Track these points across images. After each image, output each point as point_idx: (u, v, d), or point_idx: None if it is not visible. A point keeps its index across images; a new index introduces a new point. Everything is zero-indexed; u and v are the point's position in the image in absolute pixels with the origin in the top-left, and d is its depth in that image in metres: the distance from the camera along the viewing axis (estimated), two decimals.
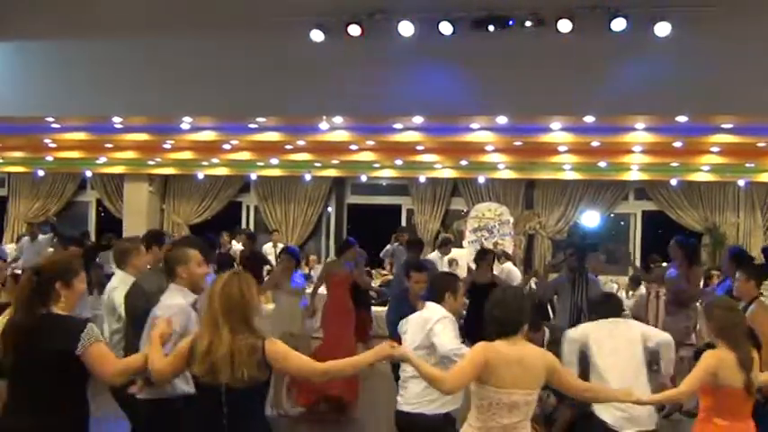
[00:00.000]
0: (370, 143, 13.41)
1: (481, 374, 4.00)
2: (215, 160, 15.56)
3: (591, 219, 9.20)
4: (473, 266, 9.68)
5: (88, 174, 17.36)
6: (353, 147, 13.81)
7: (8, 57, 11.04)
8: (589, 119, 10.23)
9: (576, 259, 8.36)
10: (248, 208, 17.73)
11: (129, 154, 15.32)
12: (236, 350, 3.75)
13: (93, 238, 17.01)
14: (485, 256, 9.46)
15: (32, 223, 16.09)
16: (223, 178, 17.00)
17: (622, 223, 16.31)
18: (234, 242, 14.21)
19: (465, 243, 14.45)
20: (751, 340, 4.80)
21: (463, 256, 12.76)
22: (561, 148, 13.21)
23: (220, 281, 3.91)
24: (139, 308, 5.01)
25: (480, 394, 4.05)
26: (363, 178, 16.56)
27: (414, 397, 5.06)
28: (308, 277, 12.07)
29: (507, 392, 4.00)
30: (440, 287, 5.38)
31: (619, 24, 8.82)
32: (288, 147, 13.96)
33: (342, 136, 12.35)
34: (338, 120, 11.26)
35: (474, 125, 11.59)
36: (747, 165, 13.53)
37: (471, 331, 6.97)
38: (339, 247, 10.14)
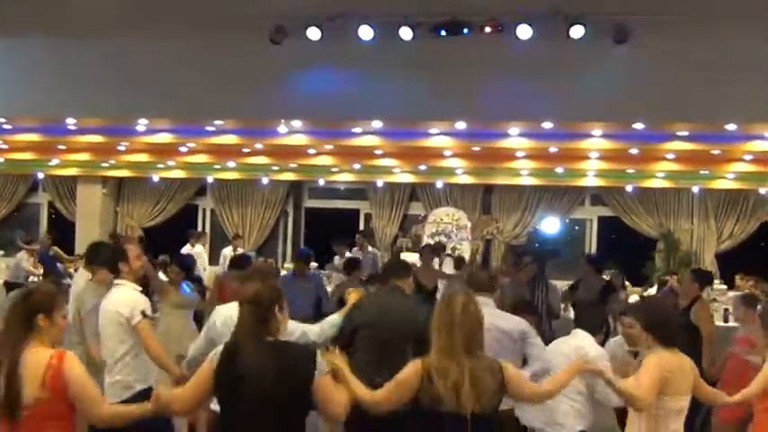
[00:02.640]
0: (329, 147, 13.34)
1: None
2: (171, 163, 15.37)
3: (550, 225, 9.26)
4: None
5: (40, 175, 17.06)
6: (311, 150, 13.74)
7: None
8: (547, 125, 10.29)
9: (537, 266, 8.38)
10: (204, 211, 17.54)
11: (83, 156, 15.05)
12: (479, 374, 3.72)
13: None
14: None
15: None
16: (179, 181, 16.81)
17: (578, 228, 16.43)
18: (189, 246, 14.06)
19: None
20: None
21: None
22: (519, 154, 13.26)
23: (455, 302, 3.84)
24: None
25: (657, 405, 4.33)
26: (321, 182, 16.49)
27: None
28: None
29: (678, 399, 4.36)
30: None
31: (577, 32, 8.87)
32: (245, 150, 13.84)
33: (300, 139, 12.27)
34: (296, 123, 11.20)
35: (432, 130, 11.60)
36: (701, 172, 13.71)
37: None
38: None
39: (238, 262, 9.10)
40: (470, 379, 3.68)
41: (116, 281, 5.56)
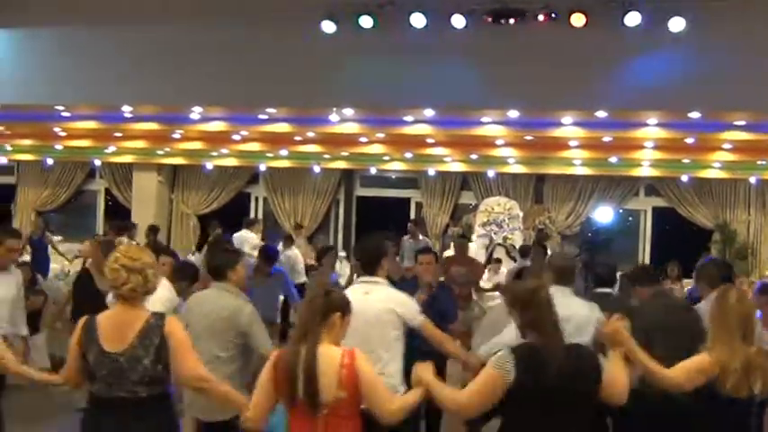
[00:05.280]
0: (380, 135, 13.37)
1: None
2: (224, 151, 15.54)
3: (603, 215, 9.16)
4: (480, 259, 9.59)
5: (97, 163, 17.36)
6: (363, 139, 13.78)
7: (20, 44, 11.03)
8: (601, 114, 10.18)
9: (588, 255, 8.30)
10: (257, 199, 17.70)
11: (139, 143, 15.32)
12: (757, 359, 3.91)
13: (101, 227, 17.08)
14: None
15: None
16: (232, 169, 16.98)
17: (632, 219, 16.24)
18: (245, 231, 14.08)
19: (474, 237, 14.41)
20: None
21: (472, 251, 12.72)
22: (572, 143, 13.15)
23: (729, 294, 4.05)
24: None
25: None
26: (373, 171, 16.52)
27: None
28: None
29: None
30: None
31: (633, 19, 8.77)
32: (297, 138, 13.93)
33: (352, 128, 12.31)
34: (348, 112, 11.24)
35: (485, 119, 11.54)
36: (759, 162, 13.44)
37: None
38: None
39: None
40: (755, 365, 3.87)
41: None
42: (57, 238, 14.01)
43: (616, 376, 3.66)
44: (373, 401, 3.63)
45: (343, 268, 12.64)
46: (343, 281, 9.75)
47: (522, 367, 3.48)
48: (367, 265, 5.11)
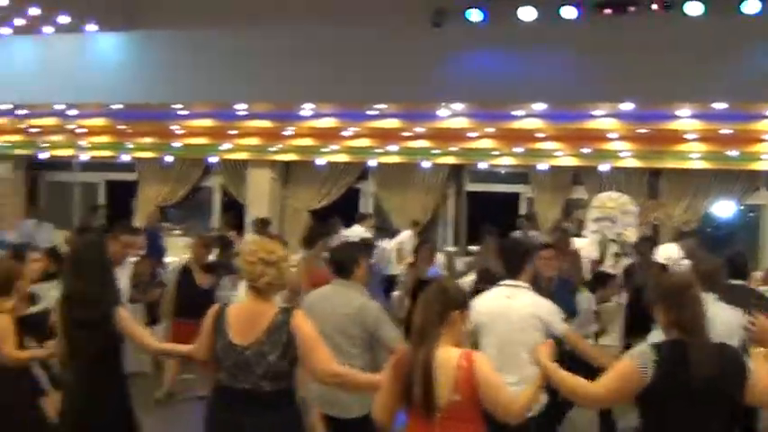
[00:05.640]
0: (490, 130, 13.28)
1: None
2: (334, 147, 15.73)
3: (723, 210, 8.85)
4: (592, 255, 9.40)
5: (213, 160, 17.85)
6: (472, 134, 13.71)
7: (139, 46, 11.48)
8: (719, 105, 9.84)
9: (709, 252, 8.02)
10: (366, 195, 17.85)
11: (253, 140, 15.68)
12: None
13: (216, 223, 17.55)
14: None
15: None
16: (342, 165, 17.16)
17: (753, 214, 15.61)
18: (357, 227, 14.21)
19: (586, 233, 14.14)
20: None
21: (584, 247, 12.49)
22: (689, 136, 12.75)
23: None
24: None
25: None
26: (482, 166, 16.42)
27: None
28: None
29: None
30: None
31: (751, 6, 8.44)
32: (406, 134, 13.98)
33: (461, 123, 12.28)
34: (457, 106, 11.21)
35: (597, 112, 11.33)
36: None
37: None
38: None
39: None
40: None
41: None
42: (175, 232, 14.47)
43: (762, 377, 3.47)
44: (494, 404, 3.55)
45: (454, 264, 12.61)
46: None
47: (664, 365, 3.35)
48: (510, 269, 5.09)
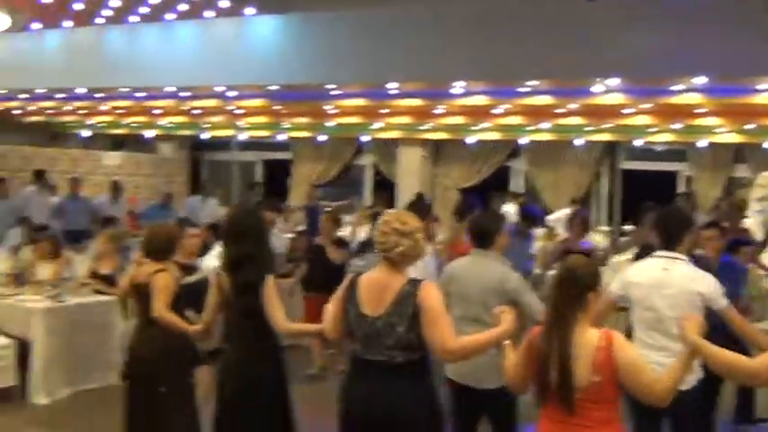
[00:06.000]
0: (646, 106, 12.85)
1: None
2: (485, 125, 15.65)
3: None
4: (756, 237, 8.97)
5: (365, 139, 18.12)
6: (628, 110, 13.31)
7: (295, 29, 11.79)
8: None
9: None
10: (517, 173, 17.68)
11: (404, 119, 15.80)
12: None
13: (368, 200, 17.83)
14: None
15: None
16: (493, 143, 17.05)
17: None
18: (508, 206, 14.14)
19: (749, 213, 13.49)
20: None
21: (748, 228, 11.94)
22: None
23: None
24: None
25: None
26: (638, 143, 15.92)
27: None
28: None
29: None
30: None
31: None
32: (559, 110, 13.74)
33: (616, 98, 11.96)
34: (613, 82, 10.91)
35: (762, 86, 10.76)
36: None
37: None
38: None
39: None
40: None
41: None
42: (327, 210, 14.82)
43: None
44: (636, 384, 3.47)
45: (603, 242, 12.36)
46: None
47: None
48: (668, 239, 4.90)
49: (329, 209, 15.23)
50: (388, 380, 3.87)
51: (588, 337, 3.50)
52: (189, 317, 5.41)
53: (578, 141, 16.02)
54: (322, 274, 8.25)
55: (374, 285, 3.96)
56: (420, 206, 6.53)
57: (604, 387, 3.46)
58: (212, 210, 14.75)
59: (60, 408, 7.59)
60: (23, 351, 7.64)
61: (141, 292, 5.41)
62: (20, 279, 8.51)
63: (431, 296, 3.88)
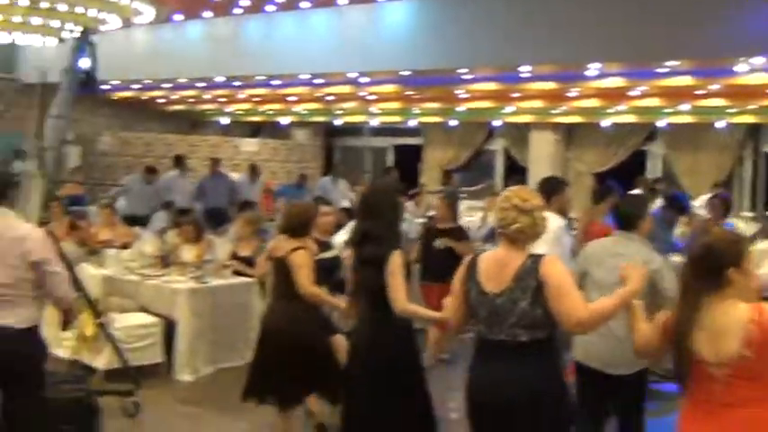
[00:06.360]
0: None
1: None
2: (621, 107, 15.26)
3: None
4: None
5: (496, 123, 18.00)
6: None
7: (426, 13, 11.84)
8: None
9: None
10: (654, 157, 17.18)
11: (536, 103, 15.60)
12: None
13: (501, 185, 17.72)
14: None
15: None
16: (629, 126, 16.63)
17: None
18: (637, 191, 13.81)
19: None
20: None
21: None
22: None
23: None
24: None
25: None
26: None
27: None
28: None
29: None
30: None
31: None
32: (699, 92, 13.24)
33: (761, 78, 11.42)
34: (758, 60, 10.43)
35: None
36: None
37: None
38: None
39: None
40: None
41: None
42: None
43: None
44: None
45: (749, 228, 11.85)
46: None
47: None
48: None
49: (463, 194, 15.27)
50: (512, 360, 3.80)
51: (737, 312, 3.33)
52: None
53: (720, 124, 15.43)
54: (435, 262, 8.12)
55: (494, 262, 3.92)
56: (550, 184, 6.39)
57: (756, 364, 3.28)
58: (343, 191, 15.08)
59: (203, 384, 7.87)
60: (169, 330, 7.99)
61: (278, 267, 5.58)
62: (165, 261, 8.88)
63: (554, 269, 3.80)
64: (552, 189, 6.26)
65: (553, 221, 5.02)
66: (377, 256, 4.69)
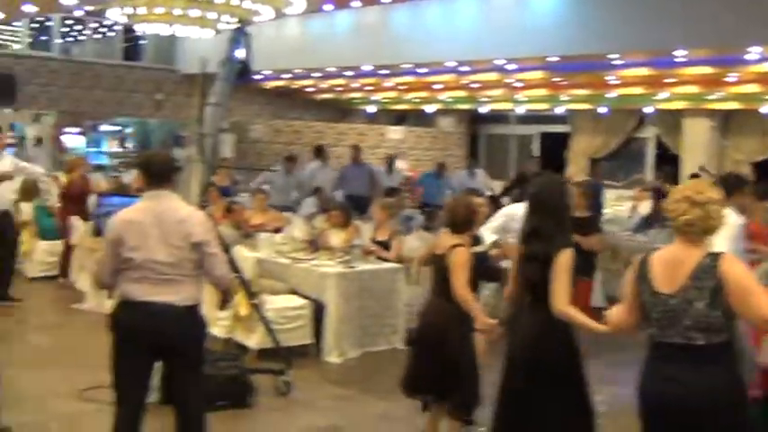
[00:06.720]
0: None
1: None
2: None
3: None
4: None
5: (647, 110, 17.44)
6: None
7: None
8: None
9: None
10: None
11: (691, 88, 15.00)
12: None
13: (650, 174, 17.20)
14: None
15: None
16: None
17: None
18: None
19: None
20: None
21: None
22: None
23: None
24: None
25: None
26: None
27: None
28: None
29: None
30: None
31: None
32: None
33: None
34: None
35: None
36: None
37: None
38: None
39: None
40: None
41: None
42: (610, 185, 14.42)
43: None
44: None
45: None
46: None
47: None
48: None
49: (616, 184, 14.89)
50: (686, 364, 3.64)
51: None
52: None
53: None
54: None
55: (668, 261, 3.76)
56: (732, 180, 6.12)
57: None
58: (484, 181, 14.99)
59: (350, 367, 8.05)
60: (318, 312, 8.20)
61: (437, 263, 5.60)
62: (314, 245, 9.12)
63: (735, 268, 3.62)
64: (734, 185, 6.00)
65: (732, 218, 4.82)
66: (545, 254, 4.65)
